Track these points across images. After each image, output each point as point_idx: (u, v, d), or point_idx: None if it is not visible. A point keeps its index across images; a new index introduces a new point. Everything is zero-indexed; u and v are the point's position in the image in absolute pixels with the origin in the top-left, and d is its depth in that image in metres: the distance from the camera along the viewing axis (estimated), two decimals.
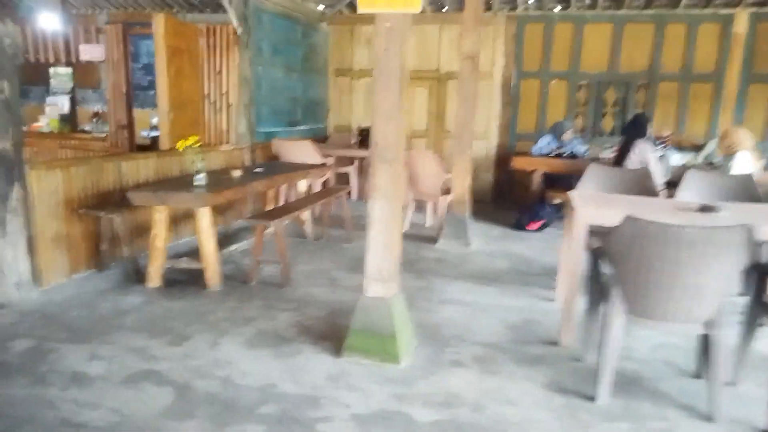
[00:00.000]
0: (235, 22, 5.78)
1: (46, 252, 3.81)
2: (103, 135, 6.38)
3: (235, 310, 3.60)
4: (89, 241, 4.19)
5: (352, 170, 7.13)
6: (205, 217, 3.89)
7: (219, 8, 6.00)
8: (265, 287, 4.03)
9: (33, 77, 8.02)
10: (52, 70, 6.51)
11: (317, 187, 6.15)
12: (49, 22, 6.40)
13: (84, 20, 6.71)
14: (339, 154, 7.07)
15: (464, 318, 3.57)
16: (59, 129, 6.43)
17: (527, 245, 5.42)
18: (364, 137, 7.33)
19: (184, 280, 4.08)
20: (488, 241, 5.47)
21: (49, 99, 6.71)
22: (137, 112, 6.48)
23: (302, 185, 5.55)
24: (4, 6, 3.36)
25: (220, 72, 6.07)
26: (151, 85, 8.70)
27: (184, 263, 4.10)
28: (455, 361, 2.96)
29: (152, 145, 6.50)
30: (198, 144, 4.10)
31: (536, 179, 6.59)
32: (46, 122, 6.54)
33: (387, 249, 2.95)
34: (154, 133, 6.94)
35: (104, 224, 4.15)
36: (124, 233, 4.16)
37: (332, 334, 3.22)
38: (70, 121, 6.53)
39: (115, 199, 4.29)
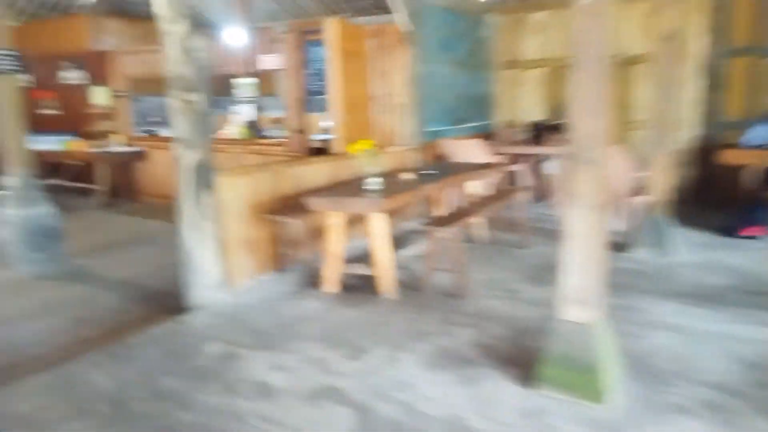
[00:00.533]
0: (403, 21, 5.65)
1: (235, 255, 3.98)
2: (281, 140, 6.70)
3: (410, 322, 3.41)
4: (270, 244, 4.31)
5: (523, 169, 6.64)
6: (378, 223, 3.77)
7: (386, 10, 5.93)
8: (441, 297, 3.79)
9: (219, 88, 8.79)
10: (235, 80, 7.02)
11: (487, 188, 5.79)
12: (233, 36, 6.89)
13: (263, 32, 7.11)
14: (509, 151, 6.62)
15: (680, 348, 2.97)
16: (246, 136, 6.90)
17: (746, 256, 4.50)
18: (537, 133, 6.79)
19: (359, 285, 4.00)
20: (694, 250, 4.65)
21: (233, 108, 7.25)
22: (309, 117, 6.71)
23: (473, 186, 5.23)
24: (198, 24, 3.54)
25: (388, 72, 6.00)
26: (321, 90, 9.07)
27: (359, 269, 4.02)
28: (678, 406, 2.43)
29: (323, 149, 6.67)
30: (372, 147, 4.00)
31: (749, 175, 5.51)
32: (232, 129, 7.07)
33: (588, 266, 2.51)
34: (324, 137, 7.12)
35: (283, 228, 4.25)
36: (301, 237, 4.22)
37: (519, 359, 2.86)
38: (254, 128, 6.99)
39: (293, 204, 4.37)
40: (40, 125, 8.56)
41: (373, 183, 3.92)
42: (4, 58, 4.54)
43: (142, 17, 9.30)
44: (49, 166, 8.75)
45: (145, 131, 8.04)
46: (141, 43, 7.86)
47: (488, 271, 4.29)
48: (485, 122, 7.55)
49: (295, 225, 4.17)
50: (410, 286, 4.00)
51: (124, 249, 5.48)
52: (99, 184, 7.73)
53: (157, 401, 2.56)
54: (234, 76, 7.05)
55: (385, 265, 3.83)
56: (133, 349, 3.11)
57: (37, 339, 3.35)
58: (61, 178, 8.58)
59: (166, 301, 3.85)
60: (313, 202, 3.80)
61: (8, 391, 2.68)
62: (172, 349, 3.11)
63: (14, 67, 4.63)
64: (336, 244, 3.91)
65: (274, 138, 6.89)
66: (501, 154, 6.45)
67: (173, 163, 3.66)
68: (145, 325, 3.44)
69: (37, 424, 2.41)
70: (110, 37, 7.95)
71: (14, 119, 4.68)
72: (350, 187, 4.11)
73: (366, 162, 4.03)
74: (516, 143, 7.00)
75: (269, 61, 6.57)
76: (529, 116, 7.54)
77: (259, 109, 7.22)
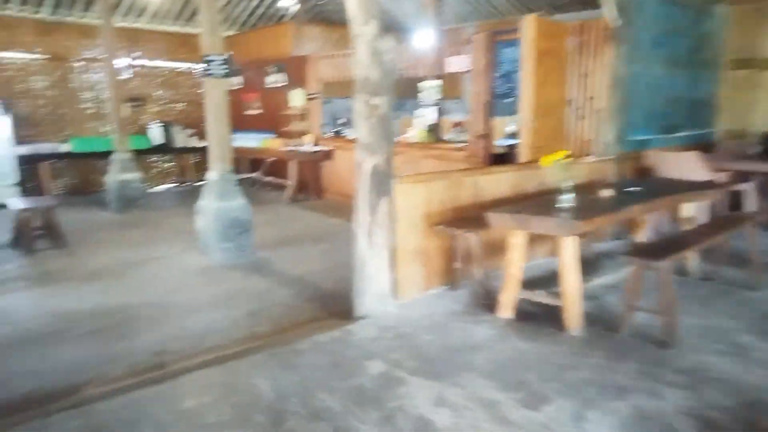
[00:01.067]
0: (611, 15, 4.96)
1: (405, 266, 3.77)
2: (462, 144, 6.42)
3: (601, 370, 2.84)
4: (443, 257, 4.04)
5: (750, 188, 5.46)
6: (569, 247, 3.24)
7: (590, 4, 5.28)
8: (640, 343, 3.14)
9: (404, 90, 8.81)
10: (421, 83, 6.90)
11: (703, 210, 4.83)
12: (421, 38, 6.78)
13: (452, 33, 6.91)
14: (734, 167, 5.49)
15: None
16: (426, 140, 6.76)
17: None
18: None
19: (538, 314, 3.52)
20: None
21: (417, 111, 7.15)
22: (494, 121, 6.31)
23: (687, 208, 4.37)
24: (388, 26, 3.39)
25: (587, 74, 5.34)
26: (509, 93, 8.59)
27: (539, 296, 3.54)
28: None
29: (506, 156, 6.23)
30: (566, 158, 3.49)
31: None
32: (413, 132, 6.99)
33: None
34: (508, 142, 6.68)
35: (458, 241, 3.93)
36: (477, 252, 3.86)
37: None
38: (435, 131, 6.82)
39: (470, 215, 4.03)
40: (245, 124, 9.46)
41: (566, 200, 3.41)
42: (219, 63, 4.93)
43: (339, 23, 9.78)
44: (248, 162, 9.65)
45: (333, 132, 8.38)
46: (336, 48, 8.21)
47: (705, 316, 3.49)
48: (704, 131, 6.39)
49: (470, 239, 3.83)
50: (601, 323, 3.40)
51: (304, 244, 5.66)
52: (289, 180, 8.24)
53: (312, 421, 2.41)
54: (420, 79, 6.93)
55: (571, 295, 3.29)
56: (299, 355, 3.05)
57: (215, 329, 3.50)
58: (257, 172, 9.38)
59: (336, 303, 3.80)
60: (495, 218, 3.42)
61: (179, 382, 2.77)
62: (336, 361, 2.97)
63: (226, 72, 5.00)
64: (515, 266, 3.48)
65: (454, 142, 6.64)
66: (723, 170, 5.38)
67: (355, 165, 3.57)
68: (313, 329, 3.39)
69: (197, 425, 2.41)
70: (310, 42, 8.43)
71: (221, 119, 5.06)
72: (538, 203, 3.64)
73: (558, 175, 3.52)
74: (744, 158, 5.80)
75: (456, 63, 6.31)
76: (762, 125, 6.21)
77: (441, 112, 7.01)
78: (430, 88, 6.82)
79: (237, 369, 2.91)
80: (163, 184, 9.76)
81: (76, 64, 8.69)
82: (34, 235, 5.39)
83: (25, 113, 8.28)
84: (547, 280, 3.85)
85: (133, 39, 9.19)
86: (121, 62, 8.86)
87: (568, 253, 3.24)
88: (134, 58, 9.27)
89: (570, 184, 3.49)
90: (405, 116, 7.39)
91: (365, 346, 3.16)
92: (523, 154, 5.08)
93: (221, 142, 5.10)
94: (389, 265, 3.59)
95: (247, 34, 9.74)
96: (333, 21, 9.48)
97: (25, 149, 7.77)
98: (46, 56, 8.41)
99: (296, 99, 8.68)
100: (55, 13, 8.31)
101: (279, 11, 9.65)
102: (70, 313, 3.83)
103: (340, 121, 8.43)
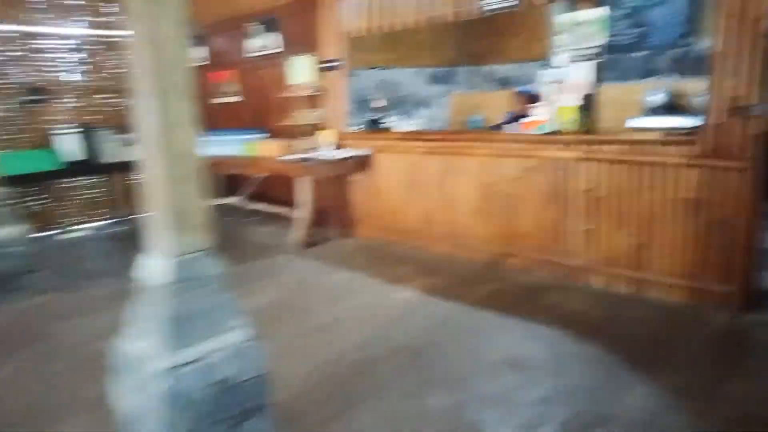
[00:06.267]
0: None
1: None
2: (681, 134, 3.16)
3: None
4: None
5: None
6: None
7: None
8: None
9: (498, 35, 5.46)
10: (562, 16, 3.49)
11: None
12: None
13: None
14: None
15: None
16: (576, 127, 3.43)
17: None
18: None
19: None
20: None
21: (545, 73, 3.76)
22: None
23: None
24: None
25: None
26: (638, 43, 5.35)
27: None
28: None
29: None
30: None
31: None
32: (544, 116, 3.58)
33: None
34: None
35: None
36: None
37: None
38: (589, 111, 3.45)
39: None
40: (214, 120, 5.96)
41: None
42: None
43: None
44: (224, 181, 6.14)
45: (367, 123, 4.98)
46: None
47: None
48: None
49: None
50: None
51: (391, 397, 2.29)
52: (298, 209, 4.81)
53: None
54: (558, 9, 3.60)
55: None
56: None
57: None
58: (237, 196, 5.95)
59: None
60: None
61: None
62: None
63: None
64: None
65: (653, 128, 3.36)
66: None
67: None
68: None
69: None
70: None
71: (181, 122, 1.64)
72: None
73: None
74: None
75: None
76: None
77: (601, 73, 3.67)
78: (583, 25, 3.50)
79: None
80: (84, 222, 6.11)
81: None
82: None
83: None
84: None
85: None
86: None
87: None
88: (21, 23, 5.60)
89: None
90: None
91: None
92: None
93: (178, 176, 1.67)
94: None
95: None
96: None
97: None
98: None
99: (300, 72, 5.23)
100: None
101: None
102: None
103: (377, 105, 5.02)
